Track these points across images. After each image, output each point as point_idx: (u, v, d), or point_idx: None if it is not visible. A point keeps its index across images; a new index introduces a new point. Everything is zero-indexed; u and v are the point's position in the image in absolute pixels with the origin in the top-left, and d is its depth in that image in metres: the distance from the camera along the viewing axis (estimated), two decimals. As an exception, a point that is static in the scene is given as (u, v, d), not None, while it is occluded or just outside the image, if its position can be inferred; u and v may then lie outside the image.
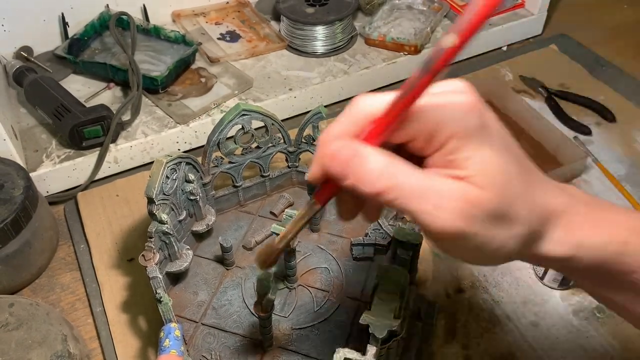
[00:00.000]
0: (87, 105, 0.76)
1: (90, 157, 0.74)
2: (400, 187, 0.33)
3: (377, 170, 0.33)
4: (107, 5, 0.87)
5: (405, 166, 0.34)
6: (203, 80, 0.83)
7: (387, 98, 0.34)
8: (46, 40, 0.85)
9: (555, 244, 0.38)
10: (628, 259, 0.39)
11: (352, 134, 0.35)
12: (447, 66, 0.31)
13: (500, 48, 0.97)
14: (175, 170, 0.55)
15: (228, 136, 0.60)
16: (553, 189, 0.38)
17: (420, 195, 0.33)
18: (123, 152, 0.75)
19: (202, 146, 0.66)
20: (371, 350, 0.41)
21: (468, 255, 0.37)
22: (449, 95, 0.34)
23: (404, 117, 0.34)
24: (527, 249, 0.37)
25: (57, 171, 0.72)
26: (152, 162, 0.53)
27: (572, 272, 0.42)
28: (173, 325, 0.47)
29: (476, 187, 0.33)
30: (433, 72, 0.31)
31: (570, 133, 0.79)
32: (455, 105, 0.34)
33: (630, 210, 0.43)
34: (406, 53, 0.87)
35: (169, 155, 0.54)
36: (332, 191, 0.37)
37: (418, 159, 0.35)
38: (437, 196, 0.33)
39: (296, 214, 0.40)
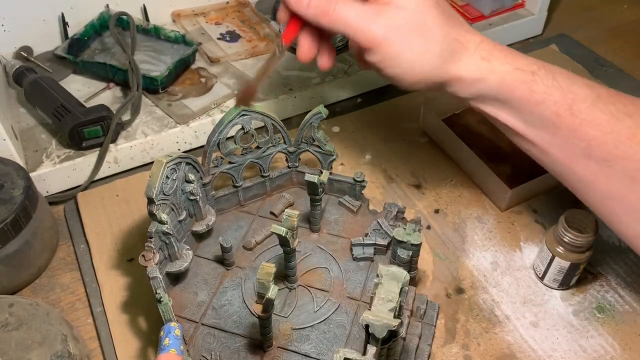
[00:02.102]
0: (87, 105, 0.76)
1: (90, 157, 0.74)
2: (339, 10, 0.46)
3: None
4: (107, 5, 0.87)
5: None
6: (203, 80, 0.83)
7: None
8: (46, 40, 0.85)
9: (470, 65, 0.47)
10: (535, 87, 0.46)
11: None
12: None
13: (500, 48, 0.97)
14: (176, 171, 0.55)
15: (228, 136, 0.60)
16: (474, 31, 0.48)
17: (354, 15, 0.46)
18: (123, 152, 0.75)
19: (202, 146, 0.66)
20: (371, 350, 0.41)
21: (393, 65, 0.47)
22: None
23: None
24: (444, 66, 0.47)
25: (57, 171, 0.72)
26: (152, 162, 0.53)
27: (483, 99, 0.49)
28: (173, 324, 0.47)
29: (397, 7, 0.46)
30: None
31: (570, 133, 0.79)
32: None
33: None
34: (406, 53, 0.87)
35: (169, 156, 0.54)
36: (294, 29, 0.50)
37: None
38: (366, 15, 0.46)
39: (266, 57, 0.53)
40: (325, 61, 0.54)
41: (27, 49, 0.84)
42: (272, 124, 0.61)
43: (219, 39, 0.90)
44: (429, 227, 0.69)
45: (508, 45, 0.96)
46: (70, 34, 0.85)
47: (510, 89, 0.47)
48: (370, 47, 0.47)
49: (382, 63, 0.48)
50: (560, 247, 0.59)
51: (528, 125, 0.49)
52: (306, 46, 0.51)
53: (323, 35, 0.52)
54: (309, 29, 0.51)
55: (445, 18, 0.47)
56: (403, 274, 0.42)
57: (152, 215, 0.53)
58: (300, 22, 0.50)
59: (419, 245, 0.53)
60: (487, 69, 0.47)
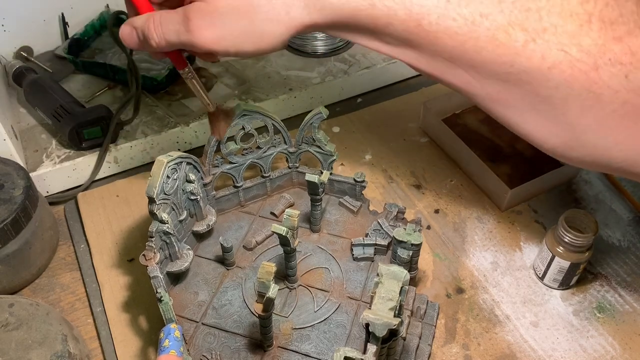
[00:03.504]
0: (87, 105, 0.76)
1: (91, 157, 0.74)
2: (162, 31, 0.46)
3: (145, 28, 0.47)
4: (107, 5, 0.87)
5: (160, 13, 0.46)
6: (203, 80, 0.84)
7: None
8: (46, 40, 0.85)
9: (303, 16, 0.44)
10: (376, 12, 0.43)
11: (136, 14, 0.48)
12: None
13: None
14: (176, 170, 0.55)
15: (228, 136, 0.60)
16: None
17: (173, 26, 0.45)
18: (123, 152, 0.75)
19: (202, 146, 0.66)
20: (371, 349, 0.41)
21: (233, 46, 0.46)
22: None
23: None
24: (290, 24, 0.45)
25: (57, 171, 0.72)
26: (152, 162, 0.53)
27: (334, 28, 0.46)
28: (173, 326, 0.47)
29: (199, 1, 0.44)
30: None
31: (570, 133, 0.79)
32: None
33: None
34: (406, 53, 0.87)
35: (169, 155, 0.54)
36: (174, 55, 0.51)
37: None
38: (177, 17, 0.45)
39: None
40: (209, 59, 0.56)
41: (27, 49, 0.84)
42: (273, 124, 0.61)
43: (219, 39, 0.90)
44: (429, 227, 0.69)
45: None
46: (70, 34, 0.85)
47: (351, 18, 0.45)
48: (196, 44, 0.45)
49: (221, 51, 0.46)
50: (560, 247, 0.59)
51: (389, 45, 0.46)
52: (176, 57, 0.52)
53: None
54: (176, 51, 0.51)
55: None
56: (403, 273, 0.42)
57: (152, 215, 0.53)
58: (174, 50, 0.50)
59: (419, 245, 0.53)
60: (320, 8, 0.44)
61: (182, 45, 0.47)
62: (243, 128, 0.60)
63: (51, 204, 0.71)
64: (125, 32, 0.48)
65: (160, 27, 0.46)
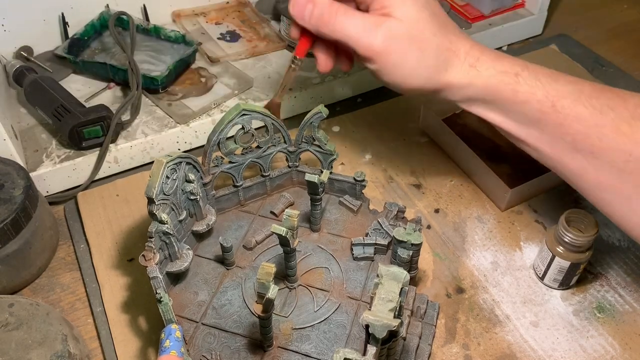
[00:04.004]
0: (87, 105, 0.76)
1: (90, 157, 0.74)
2: (340, 21, 0.48)
3: (324, 8, 0.49)
4: (107, 5, 0.87)
5: (345, 7, 0.49)
6: (203, 80, 0.83)
7: None
8: (46, 40, 0.85)
9: (460, 73, 0.50)
10: (519, 88, 0.49)
11: None
12: None
13: (500, 48, 0.97)
14: (176, 170, 0.55)
15: (228, 136, 0.60)
16: (463, 36, 0.52)
17: (354, 25, 0.48)
18: (123, 152, 0.75)
19: (202, 146, 0.66)
20: (371, 350, 0.41)
21: (391, 74, 0.50)
22: None
23: None
24: (437, 75, 0.50)
25: (57, 171, 0.72)
26: (152, 162, 0.53)
27: (472, 102, 0.52)
28: (174, 326, 0.47)
29: (395, 19, 0.48)
30: None
31: (570, 133, 0.79)
32: None
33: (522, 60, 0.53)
34: (406, 53, 0.87)
35: (169, 155, 0.54)
36: (305, 42, 0.54)
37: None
38: (365, 25, 0.48)
39: (285, 70, 0.58)
40: (344, 66, 0.57)
41: (27, 49, 0.84)
42: (272, 123, 0.61)
43: (219, 38, 0.90)
44: (429, 227, 0.69)
45: (508, 45, 0.97)
46: (70, 34, 0.85)
47: (495, 91, 0.50)
48: (369, 57, 0.49)
49: (380, 71, 0.50)
50: (561, 247, 0.59)
51: (516, 123, 0.51)
52: (322, 58, 0.55)
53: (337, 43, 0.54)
54: (321, 41, 0.54)
55: (439, 27, 0.49)
56: (403, 274, 0.42)
57: (152, 215, 0.53)
58: (311, 36, 0.54)
59: (419, 245, 0.53)
60: (474, 75, 0.50)
61: (348, 46, 0.50)
62: (243, 128, 0.60)
63: (51, 203, 0.71)
64: (300, 2, 0.51)
65: (343, 21, 0.49)
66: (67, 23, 0.85)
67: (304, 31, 0.53)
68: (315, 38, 0.54)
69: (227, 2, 0.97)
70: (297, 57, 0.56)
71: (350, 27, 0.49)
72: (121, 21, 0.86)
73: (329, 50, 0.55)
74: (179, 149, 0.78)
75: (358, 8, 0.52)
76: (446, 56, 0.50)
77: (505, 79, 0.49)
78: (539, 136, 0.51)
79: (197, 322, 0.55)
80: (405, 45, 0.49)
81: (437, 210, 0.71)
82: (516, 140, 0.53)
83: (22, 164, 0.68)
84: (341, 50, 0.55)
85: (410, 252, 0.53)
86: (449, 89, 0.51)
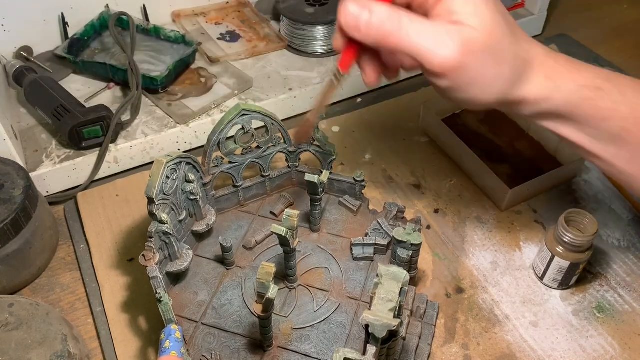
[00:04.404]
0: (87, 105, 0.76)
1: (90, 157, 0.74)
2: (405, 31, 0.40)
3: (383, 18, 0.40)
4: (107, 5, 0.87)
5: (408, 14, 0.41)
6: (203, 80, 0.83)
7: None
8: (46, 40, 0.85)
9: (534, 85, 0.44)
10: (601, 104, 0.44)
11: None
12: None
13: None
14: (176, 170, 0.55)
15: (228, 136, 0.60)
16: (535, 43, 0.45)
17: (423, 36, 0.40)
18: (123, 152, 0.75)
19: (202, 146, 0.66)
20: (371, 350, 0.41)
21: (463, 91, 0.43)
22: None
23: None
24: (511, 89, 0.43)
25: (57, 171, 0.72)
26: (152, 162, 0.53)
27: (547, 117, 0.47)
28: (174, 327, 0.47)
29: (470, 28, 0.40)
30: None
31: (570, 133, 0.79)
32: None
33: (603, 71, 0.47)
34: (406, 53, 0.87)
35: (169, 155, 0.54)
36: (351, 55, 0.44)
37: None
38: (438, 35, 0.40)
39: (322, 87, 0.47)
40: (391, 76, 0.49)
41: (27, 49, 0.84)
42: (272, 123, 0.61)
43: (219, 39, 0.90)
44: (428, 227, 0.69)
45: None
46: (70, 34, 0.85)
47: (575, 106, 0.44)
48: (441, 73, 0.41)
49: (452, 89, 0.43)
50: (560, 247, 0.59)
51: (593, 140, 0.46)
52: (371, 71, 0.47)
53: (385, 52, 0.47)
54: (369, 51, 0.46)
55: (512, 33, 0.43)
56: (403, 274, 0.42)
57: (152, 215, 0.53)
58: (359, 46, 0.44)
59: (419, 245, 0.53)
60: (552, 89, 0.44)
61: (408, 57, 0.42)
62: (243, 128, 0.60)
63: (51, 204, 0.71)
64: (353, 11, 0.41)
65: (409, 32, 0.40)
66: (67, 23, 0.85)
67: (351, 41, 0.44)
68: (363, 49, 0.44)
69: (227, 2, 0.97)
70: (342, 72, 0.45)
71: (419, 38, 0.40)
72: (121, 21, 0.86)
73: (377, 60, 0.47)
74: (178, 149, 0.78)
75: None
76: (522, 67, 0.43)
77: (586, 93, 0.44)
78: (616, 153, 0.46)
79: (197, 322, 0.55)
80: (483, 58, 0.41)
81: (436, 211, 0.71)
82: (588, 154, 0.48)
83: (22, 164, 0.68)
84: (388, 59, 0.47)
85: (410, 252, 0.53)
86: (524, 103, 0.45)
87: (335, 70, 0.45)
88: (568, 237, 0.57)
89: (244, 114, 0.59)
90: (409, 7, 0.43)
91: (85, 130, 0.72)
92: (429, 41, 0.40)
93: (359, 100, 0.87)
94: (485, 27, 0.41)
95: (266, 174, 0.65)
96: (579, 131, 0.46)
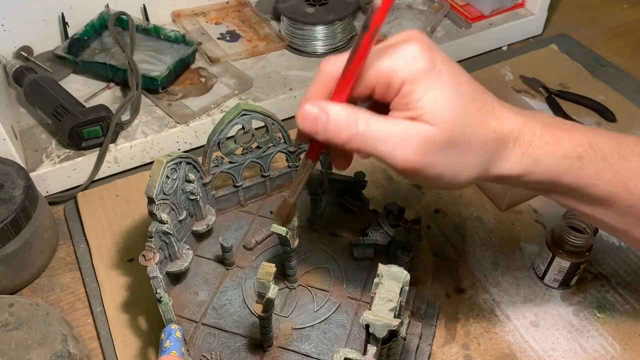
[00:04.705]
0: (87, 105, 0.76)
1: (90, 157, 0.73)
2: (362, 134, 0.38)
3: (340, 122, 0.39)
4: (107, 5, 0.87)
5: (366, 114, 0.39)
6: (203, 80, 0.83)
7: (345, 57, 0.39)
8: (46, 40, 0.85)
9: (511, 163, 0.42)
10: (584, 172, 0.42)
11: (321, 95, 0.40)
12: (381, 23, 0.36)
13: (500, 48, 0.97)
14: (176, 170, 0.55)
15: (228, 136, 0.60)
16: (509, 114, 0.42)
17: (380, 139, 0.38)
18: (123, 152, 0.75)
19: (202, 146, 0.66)
20: (371, 350, 0.41)
21: (433, 183, 0.41)
22: (400, 45, 0.39)
23: (360, 72, 0.39)
24: (486, 171, 0.42)
25: (57, 171, 0.72)
26: (152, 162, 0.53)
27: (532, 187, 0.45)
28: (174, 326, 0.47)
29: (428, 124, 0.38)
30: (371, 29, 0.36)
31: (570, 133, 0.79)
32: (404, 52, 0.38)
33: (589, 127, 0.45)
34: (406, 53, 0.87)
35: (169, 155, 0.54)
36: (318, 147, 0.43)
37: (387, 107, 0.40)
38: (396, 138, 0.38)
39: (296, 175, 0.46)
40: (362, 158, 0.45)
41: (27, 49, 0.84)
42: (273, 123, 0.61)
43: (219, 38, 0.90)
44: (429, 227, 0.69)
45: (508, 45, 0.97)
46: (70, 34, 0.85)
47: (557, 178, 0.43)
48: (405, 173, 0.40)
49: (422, 182, 0.42)
50: (561, 247, 0.59)
51: (580, 202, 0.45)
52: (340, 159, 0.45)
53: None
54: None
55: (477, 115, 0.40)
56: (403, 274, 0.42)
57: (152, 215, 0.53)
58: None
59: (419, 245, 0.53)
60: (530, 164, 0.42)
61: (375, 158, 0.40)
62: (243, 128, 0.60)
63: (51, 203, 0.71)
64: (311, 114, 0.39)
65: (367, 135, 0.38)
66: (67, 23, 0.85)
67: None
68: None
69: (227, 2, 0.97)
70: (310, 161, 0.44)
71: (378, 142, 0.38)
72: (121, 21, 0.86)
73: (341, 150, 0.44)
74: (178, 149, 0.78)
75: (375, 102, 0.42)
76: (494, 150, 0.41)
77: (567, 164, 0.42)
78: (604, 212, 0.45)
79: (197, 322, 0.55)
80: (445, 154, 0.39)
81: (437, 211, 0.71)
82: (578, 212, 0.47)
83: (21, 164, 0.68)
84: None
85: (410, 253, 0.53)
86: (505, 179, 0.43)
87: (305, 159, 0.44)
88: (569, 237, 0.57)
89: (244, 114, 0.59)
90: (370, 98, 0.41)
91: (85, 130, 0.72)
92: (388, 145, 0.38)
93: (359, 100, 0.87)
94: (445, 122, 0.38)
95: (266, 174, 0.65)
96: (563, 197, 0.45)
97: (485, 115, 0.40)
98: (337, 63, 0.40)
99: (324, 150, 0.44)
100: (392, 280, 0.42)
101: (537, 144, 0.42)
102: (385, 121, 0.39)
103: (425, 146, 0.38)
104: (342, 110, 0.39)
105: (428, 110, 0.38)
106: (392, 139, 0.38)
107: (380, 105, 0.41)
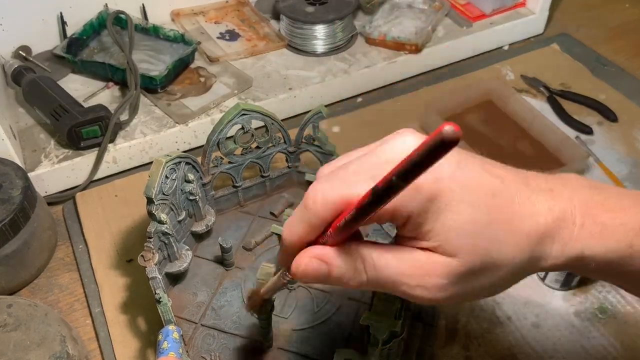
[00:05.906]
0: (86, 104, 0.76)
1: (89, 157, 0.73)
2: (374, 280, 0.34)
3: (345, 274, 0.34)
4: (106, 4, 0.86)
5: (371, 254, 0.34)
6: (202, 79, 0.83)
7: (340, 192, 0.34)
8: (45, 40, 0.85)
9: (553, 259, 0.37)
10: (634, 262, 0.38)
11: (312, 235, 0.35)
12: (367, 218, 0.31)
13: (501, 47, 0.96)
14: (175, 170, 0.55)
15: (228, 136, 0.60)
16: (542, 205, 0.36)
17: (395, 281, 0.34)
18: (122, 152, 0.75)
19: (202, 146, 0.65)
20: (372, 351, 0.41)
21: (470, 301, 0.39)
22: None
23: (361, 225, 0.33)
24: (525, 275, 0.37)
25: (56, 171, 0.72)
26: (151, 162, 0.53)
27: (579, 272, 0.43)
28: (171, 327, 0.47)
29: (446, 255, 0.33)
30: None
31: (571, 133, 0.79)
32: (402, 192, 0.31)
33: (637, 204, 0.39)
34: (407, 52, 0.87)
35: (168, 155, 0.53)
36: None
37: None
38: (410, 278, 0.34)
39: (273, 277, 0.41)
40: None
41: (26, 49, 0.84)
42: (272, 123, 0.61)
43: (218, 38, 0.90)
44: (429, 227, 0.68)
45: (510, 45, 0.97)
46: (69, 34, 0.85)
47: (606, 267, 0.38)
48: (434, 304, 0.37)
49: (457, 303, 0.39)
50: (562, 248, 0.58)
51: (631, 286, 0.42)
52: None
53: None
54: None
55: (506, 222, 0.35)
56: (404, 275, 0.42)
57: (151, 215, 0.53)
58: None
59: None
60: (574, 255, 0.37)
61: (388, 291, 0.36)
62: (242, 128, 0.60)
63: (50, 204, 0.71)
64: (311, 266, 0.34)
65: (375, 278, 0.34)
66: (65, 22, 0.85)
67: None
68: None
69: (227, 1, 0.97)
70: (292, 278, 0.38)
71: (392, 285, 0.34)
72: (120, 20, 0.86)
73: None
74: (178, 149, 0.78)
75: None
76: (527, 257, 0.36)
77: (615, 255, 0.37)
78: None
79: (197, 323, 0.54)
80: (473, 281, 0.35)
81: (437, 211, 0.70)
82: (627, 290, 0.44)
83: (20, 164, 0.67)
84: None
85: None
86: (552, 270, 0.39)
87: (283, 271, 0.39)
88: (570, 237, 0.57)
89: (243, 114, 0.59)
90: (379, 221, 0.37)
91: (83, 130, 0.72)
92: (404, 287, 0.34)
93: (359, 99, 0.87)
94: (464, 251, 0.33)
95: (266, 174, 0.64)
96: (613, 279, 0.42)
97: (513, 219, 0.35)
98: (328, 204, 0.35)
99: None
100: (392, 281, 0.42)
101: (580, 237, 0.37)
102: (396, 258, 0.34)
103: (447, 281, 0.34)
104: (344, 263, 0.34)
105: (442, 240, 0.33)
106: (406, 280, 0.34)
107: None
